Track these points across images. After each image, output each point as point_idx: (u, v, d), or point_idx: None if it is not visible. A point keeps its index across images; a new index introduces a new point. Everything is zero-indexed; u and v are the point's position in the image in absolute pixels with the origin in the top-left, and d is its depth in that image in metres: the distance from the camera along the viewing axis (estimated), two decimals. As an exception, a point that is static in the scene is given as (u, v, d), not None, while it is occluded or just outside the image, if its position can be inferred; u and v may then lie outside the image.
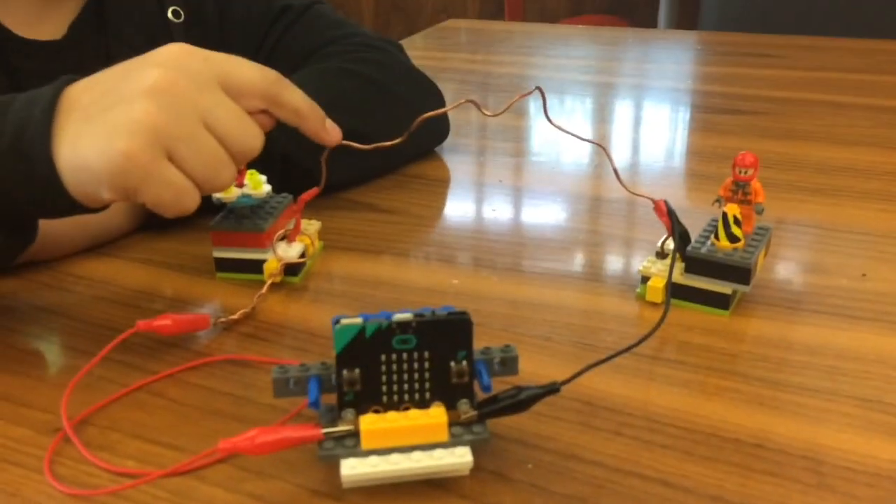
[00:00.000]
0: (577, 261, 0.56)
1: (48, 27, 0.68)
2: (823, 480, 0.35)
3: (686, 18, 2.73)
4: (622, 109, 0.94)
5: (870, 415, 0.39)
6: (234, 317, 0.47)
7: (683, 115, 0.92)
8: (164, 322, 0.43)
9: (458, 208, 0.66)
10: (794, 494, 0.34)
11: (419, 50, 1.17)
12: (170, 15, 0.71)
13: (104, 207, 0.44)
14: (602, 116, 0.91)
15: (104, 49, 0.69)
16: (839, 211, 0.62)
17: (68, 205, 0.42)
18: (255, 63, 0.45)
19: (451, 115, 0.76)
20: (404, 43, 1.24)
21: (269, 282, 0.50)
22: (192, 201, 0.42)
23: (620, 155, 0.76)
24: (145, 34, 0.70)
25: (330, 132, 0.48)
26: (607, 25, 3.02)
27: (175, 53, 0.44)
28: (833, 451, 0.37)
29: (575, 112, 0.92)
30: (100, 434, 0.38)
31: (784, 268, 0.54)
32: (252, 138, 0.44)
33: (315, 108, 0.47)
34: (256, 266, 0.52)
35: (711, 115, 0.90)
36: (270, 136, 0.60)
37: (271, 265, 0.52)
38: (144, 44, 0.70)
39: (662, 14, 2.91)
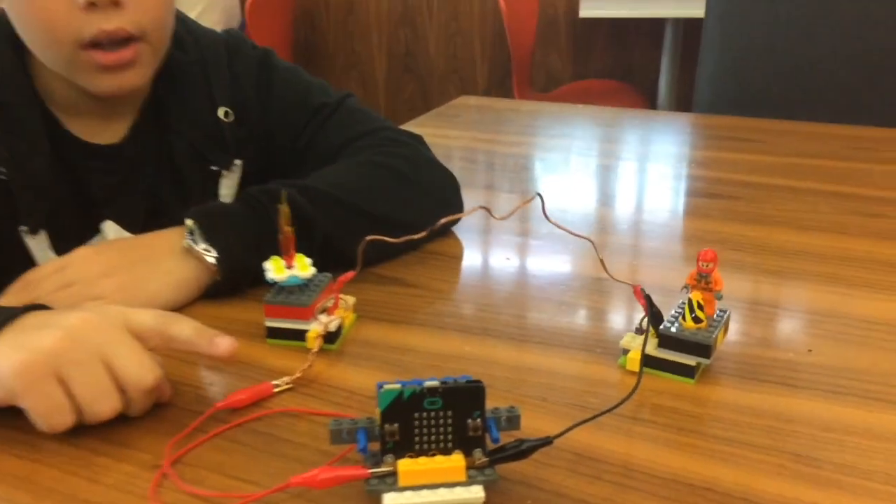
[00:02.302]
0: (571, 333, 0.66)
1: (109, 133, 0.79)
2: (755, 517, 0.45)
3: (684, 84, 2.87)
4: (617, 191, 1.05)
5: (799, 467, 0.50)
6: (289, 385, 0.57)
7: (673, 199, 1.03)
8: (239, 397, 0.55)
9: (470, 283, 0.77)
10: (732, 527, 0.45)
11: (431, 128, 1.29)
12: (221, 115, 0.82)
13: None
14: (599, 197, 1.02)
15: (167, 151, 0.80)
16: (792, 292, 0.73)
17: None
18: (154, 311, 0.55)
19: (463, 196, 0.86)
20: (419, 120, 1.37)
21: (314, 349, 0.61)
22: (62, 420, 0.49)
23: (615, 238, 0.87)
24: (201, 133, 0.81)
25: (219, 345, 0.54)
26: (609, 88, 3.17)
27: (103, 306, 0.55)
28: (767, 494, 0.47)
29: (573, 191, 1.03)
30: (190, 471, 0.48)
31: (741, 343, 0.64)
32: (147, 372, 0.51)
33: (203, 331, 0.55)
34: (301, 334, 0.63)
35: (696, 198, 1.01)
36: (314, 219, 0.71)
37: (314, 334, 0.62)
38: (201, 141, 0.81)
39: (663, 79, 3.06)
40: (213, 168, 0.82)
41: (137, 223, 0.80)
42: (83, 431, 0.51)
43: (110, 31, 0.68)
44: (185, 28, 0.82)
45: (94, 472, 0.48)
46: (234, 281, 0.69)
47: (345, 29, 3.59)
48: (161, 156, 0.81)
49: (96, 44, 0.69)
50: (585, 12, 2.85)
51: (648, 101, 3.04)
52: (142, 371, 0.51)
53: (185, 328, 0.55)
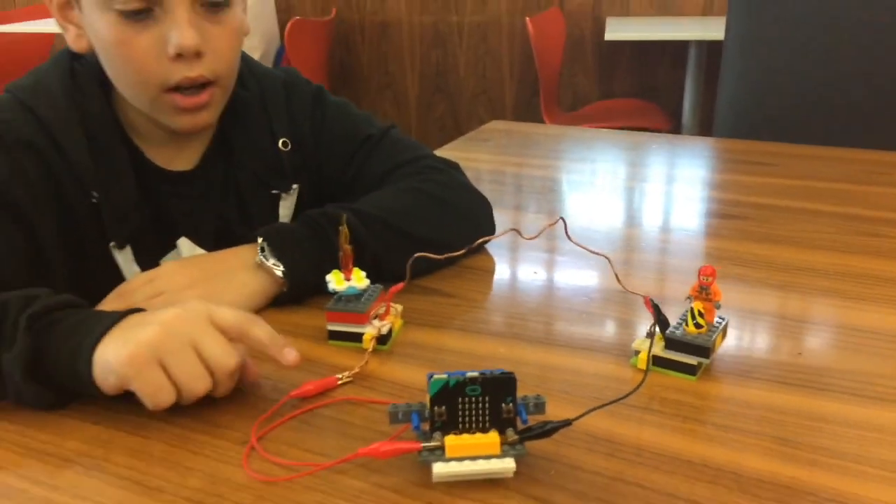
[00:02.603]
0: (590, 337, 0.76)
1: (182, 160, 0.90)
2: (741, 486, 0.54)
3: (708, 104, 2.95)
4: (638, 211, 1.14)
5: (783, 449, 0.59)
6: (350, 378, 0.68)
7: (689, 220, 1.12)
8: (309, 388, 0.65)
9: (501, 294, 0.87)
10: (720, 492, 0.54)
11: (463, 151, 1.40)
12: (280, 145, 0.93)
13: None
14: (621, 217, 1.11)
15: (233, 176, 0.91)
16: (792, 304, 0.82)
17: (90, 387, 0.61)
18: (236, 311, 0.64)
19: (494, 217, 0.96)
20: (452, 145, 1.47)
21: (369, 349, 0.71)
22: (166, 398, 0.59)
23: (635, 255, 0.97)
24: (262, 163, 0.92)
25: (286, 356, 0.64)
26: (635, 108, 3.26)
27: (189, 303, 0.65)
28: (753, 470, 0.56)
29: (597, 211, 1.12)
30: (273, 445, 0.59)
31: (740, 346, 0.73)
32: (228, 356, 0.61)
33: (276, 339, 0.64)
34: (357, 337, 0.73)
35: (711, 219, 1.10)
36: (366, 240, 0.81)
37: (369, 336, 0.72)
38: (263, 170, 0.92)
39: (687, 99, 3.14)
40: (274, 192, 0.93)
41: (208, 240, 0.90)
42: (181, 414, 0.61)
43: (193, 78, 0.79)
44: (246, 66, 0.93)
45: (194, 446, 0.59)
46: (299, 292, 0.79)
47: (379, 51, 3.73)
48: (227, 182, 0.92)
49: (177, 87, 0.80)
50: (611, 35, 2.95)
51: (674, 120, 3.12)
52: (224, 356, 0.62)
53: (261, 332, 0.65)
